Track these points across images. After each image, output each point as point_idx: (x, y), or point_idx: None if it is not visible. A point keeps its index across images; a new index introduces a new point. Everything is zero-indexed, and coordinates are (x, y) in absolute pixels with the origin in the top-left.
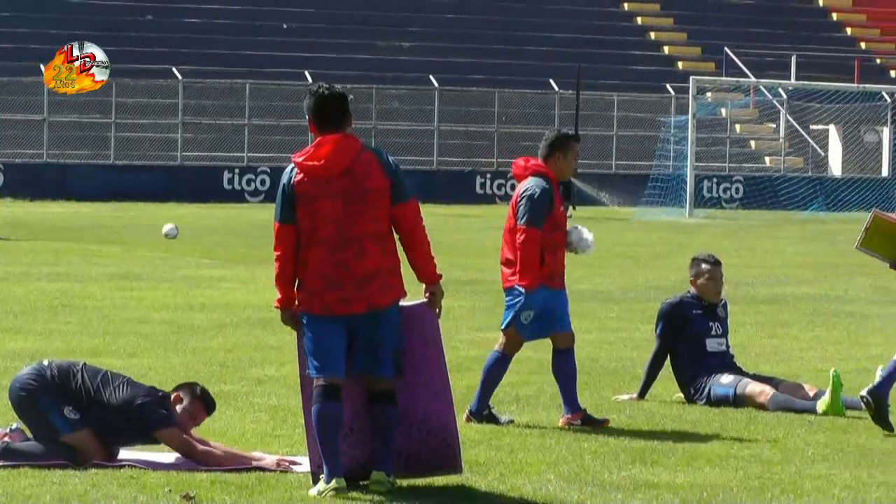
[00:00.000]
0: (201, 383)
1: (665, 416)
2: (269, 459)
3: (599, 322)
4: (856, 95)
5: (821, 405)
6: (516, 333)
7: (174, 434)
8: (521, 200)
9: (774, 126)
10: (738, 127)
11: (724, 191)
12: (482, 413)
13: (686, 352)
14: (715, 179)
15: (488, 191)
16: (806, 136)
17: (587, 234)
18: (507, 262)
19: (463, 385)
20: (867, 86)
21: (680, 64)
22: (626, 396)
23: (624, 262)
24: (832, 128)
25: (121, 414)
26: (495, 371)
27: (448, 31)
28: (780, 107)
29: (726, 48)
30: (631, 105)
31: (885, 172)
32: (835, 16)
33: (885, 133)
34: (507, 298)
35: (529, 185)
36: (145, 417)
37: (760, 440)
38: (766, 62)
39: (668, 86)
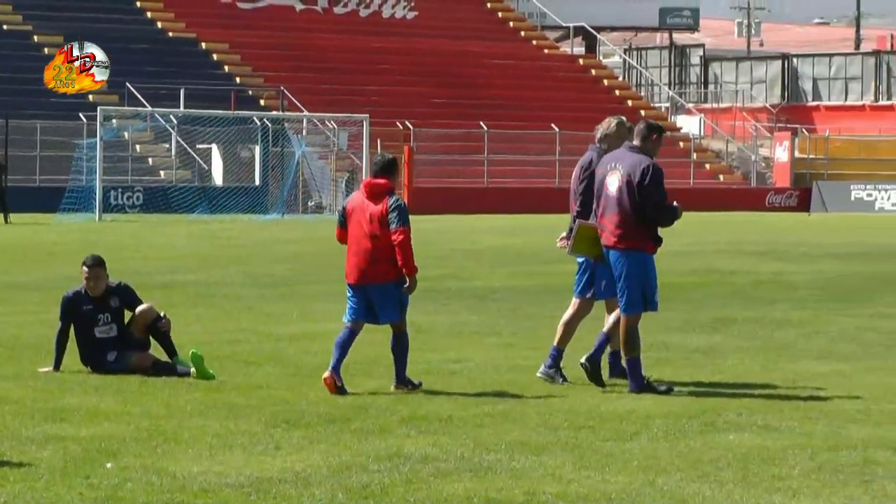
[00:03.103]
0: None
1: (73, 382)
2: None
3: (22, 306)
4: (233, 120)
5: (193, 373)
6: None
7: None
8: (392, 211)
9: (167, 146)
10: (138, 147)
11: (128, 199)
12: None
13: (82, 336)
14: (120, 189)
15: None
16: (193, 153)
17: None
18: (382, 261)
19: None
20: (241, 112)
21: (91, 97)
22: (46, 368)
23: (46, 258)
24: (214, 146)
25: None
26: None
27: None
28: (171, 130)
29: (128, 83)
30: (52, 130)
31: (257, 182)
32: (215, 56)
33: (257, 150)
34: (394, 293)
35: (394, 199)
36: None
37: (149, 400)
38: (160, 94)
39: (81, 114)
